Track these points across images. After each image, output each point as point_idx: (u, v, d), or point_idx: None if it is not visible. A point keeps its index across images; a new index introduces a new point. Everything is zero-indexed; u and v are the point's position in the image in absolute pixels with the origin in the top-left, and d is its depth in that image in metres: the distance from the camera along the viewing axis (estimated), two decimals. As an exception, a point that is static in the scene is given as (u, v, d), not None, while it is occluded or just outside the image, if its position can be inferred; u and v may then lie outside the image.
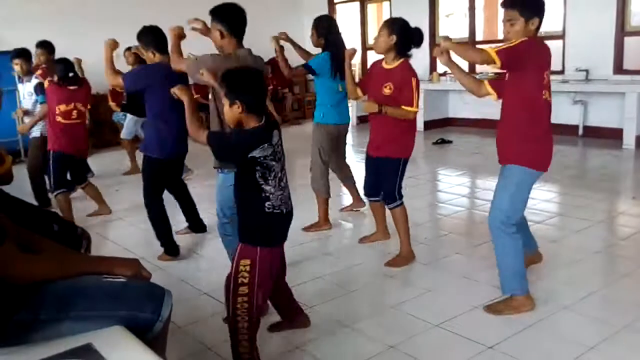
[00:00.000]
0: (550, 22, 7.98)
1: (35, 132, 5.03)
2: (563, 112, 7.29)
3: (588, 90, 7.02)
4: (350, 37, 11.29)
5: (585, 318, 2.73)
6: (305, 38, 10.32)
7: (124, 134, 6.75)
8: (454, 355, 2.46)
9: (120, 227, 4.64)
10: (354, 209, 4.63)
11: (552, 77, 7.19)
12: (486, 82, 2.98)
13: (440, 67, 8.85)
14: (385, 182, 3.45)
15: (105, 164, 7.42)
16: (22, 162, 7.48)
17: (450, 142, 7.48)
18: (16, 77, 5.17)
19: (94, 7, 8.55)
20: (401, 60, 3.29)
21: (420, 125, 8.56)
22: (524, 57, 2.60)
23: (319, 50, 4.11)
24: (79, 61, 4.88)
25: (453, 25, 9.86)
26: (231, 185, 2.39)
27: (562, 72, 7.38)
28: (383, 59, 3.36)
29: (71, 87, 4.47)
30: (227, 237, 3.02)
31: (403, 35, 3.23)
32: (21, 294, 1.68)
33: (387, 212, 3.61)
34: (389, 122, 3.30)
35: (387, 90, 3.27)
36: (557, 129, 7.92)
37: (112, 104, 7.61)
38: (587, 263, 3.38)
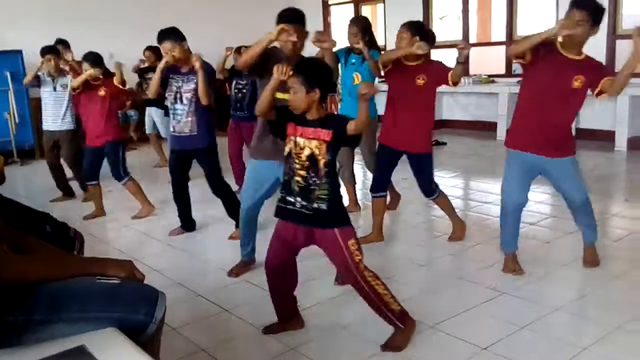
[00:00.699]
0: (543, 25, 8.05)
1: (69, 125, 5.23)
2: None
3: (581, 93, 7.05)
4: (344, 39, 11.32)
5: (579, 319, 2.75)
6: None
7: (148, 129, 7.00)
8: (449, 357, 2.46)
9: (114, 229, 4.63)
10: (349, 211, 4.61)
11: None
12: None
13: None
14: (424, 176, 3.69)
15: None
16: (14, 163, 7.48)
17: (444, 144, 7.50)
18: (44, 74, 5.21)
19: (86, 8, 8.51)
20: (422, 59, 3.51)
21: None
22: None
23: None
24: (120, 65, 4.91)
25: (447, 28, 9.90)
26: None
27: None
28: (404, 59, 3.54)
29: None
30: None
31: (423, 36, 3.45)
32: (14, 296, 1.66)
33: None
34: (428, 119, 3.56)
35: (420, 81, 3.49)
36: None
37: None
38: (580, 264, 3.39)
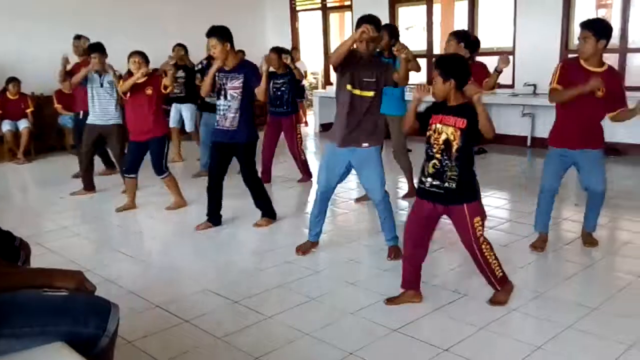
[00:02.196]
0: (501, 39, 8.31)
1: (116, 120, 5.39)
2: (513, 124, 7.58)
3: (536, 104, 7.27)
4: (312, 46, 11.41)
5: (533, 319, 2.84)
6: (268, 45, 10.19)
7: (172, 123, 7.14)
8: (411, 359, 2.50)
9: (64, 237, 4.42)
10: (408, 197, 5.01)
11: (503, 90, 7.51)
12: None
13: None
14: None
15: (51, 170, 7.21)
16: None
17: (409, 150, 7.59)
18: (91, 71, 5.37)
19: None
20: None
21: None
22: None
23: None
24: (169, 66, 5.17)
25: (413, 38, 10.09)
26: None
27: (512, 86, 7.69)
28: None
29: None
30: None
31: (468, 43, 4.25)
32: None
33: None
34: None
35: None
36: (508, 140, 8.20)
37: (58, 106, 7.66)
38: (534, 266, 3.51)
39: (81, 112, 5.95)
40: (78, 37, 6.37)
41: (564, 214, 4.63)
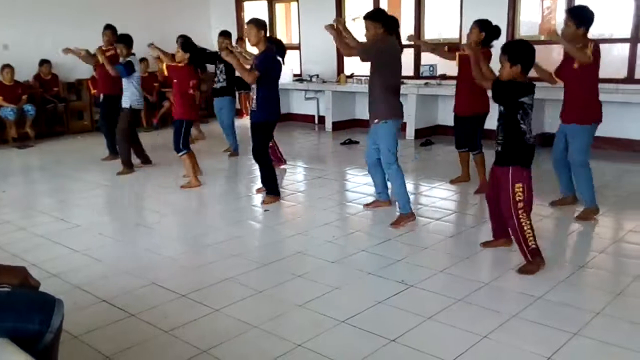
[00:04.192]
0: (447, 30, 8.48)
1: (125, 104, 5.90)
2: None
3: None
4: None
5: (479, 308, 2.92)
6: (213, 34, 10.13)
7: None
8: (360, 350, 2.52)
9: (7, 232, 4.27)
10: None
11: (449, 82, 7.73)
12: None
13: (348, 69, 9.05)
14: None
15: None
16: None
17: (357, 142, 7.67)
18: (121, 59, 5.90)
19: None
20: (483, 48, 4.50)
21: (328, 125, 8.76)
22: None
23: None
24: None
25: (359, 29, 10.12)
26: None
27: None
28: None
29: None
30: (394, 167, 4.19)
31: (489, 32, 4.62)
32: None
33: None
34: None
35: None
36: (451, 132, 8.29)
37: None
38: (480, 256, 3.62)
39: (101, 95, 6.47)
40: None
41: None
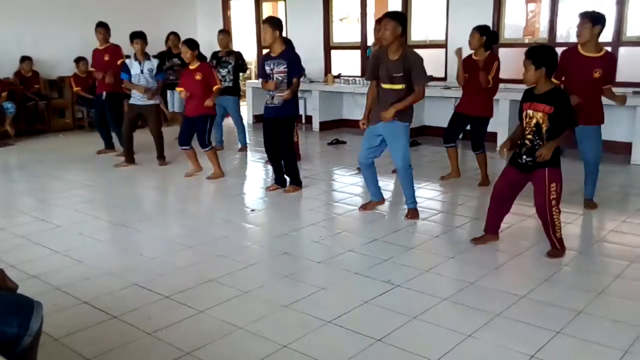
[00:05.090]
0: (433, 32, 8.52)
1: (155, 101, 6.17)
2: (444, 116, 7.78)
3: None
4: (245, 35, 11.20)
5: (464, 307, 2.92)
6: (198, 32, 10.06)
7: (171, 107, 7.96)
8: (346, 350, 2.50)
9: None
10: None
11: (436, 83, 7.81)
12: None
13: (335, 69, 9.06)
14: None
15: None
16: None
17: (344, 142, 7.66)
18: (131, 57, 6.09)
19: None
20: (488, 52, 5.04)
21: (315, 125, 8.75)
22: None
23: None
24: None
25: (346, 29, 10.13)
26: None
27: (444, 79, 7.84)
28: (473, 53, 5.07)
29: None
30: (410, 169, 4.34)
31: (489, 36, 5.03)
32: None
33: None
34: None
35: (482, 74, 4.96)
36: (438, 133, 8.36)
37: (77, 89, 7.98)
38: (466, 256, 3.62)
39: (104, 93, 6.59)
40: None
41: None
